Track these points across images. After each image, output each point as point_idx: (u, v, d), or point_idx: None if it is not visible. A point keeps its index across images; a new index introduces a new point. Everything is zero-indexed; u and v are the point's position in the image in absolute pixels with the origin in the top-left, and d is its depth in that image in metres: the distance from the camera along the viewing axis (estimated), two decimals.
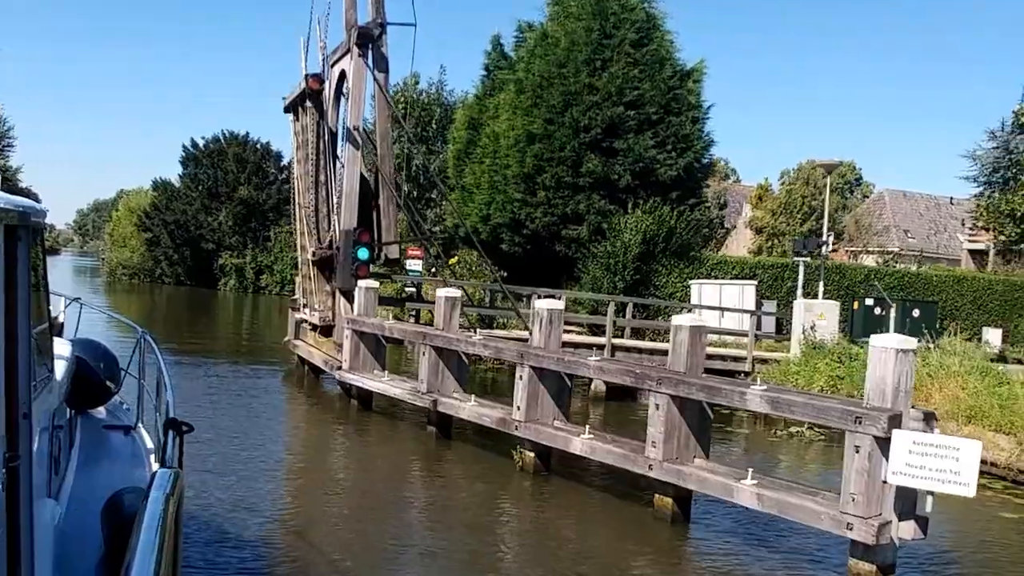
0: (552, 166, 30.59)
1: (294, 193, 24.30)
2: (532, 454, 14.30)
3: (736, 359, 25.23)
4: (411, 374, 20.35)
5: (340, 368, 19.67)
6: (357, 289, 19.84)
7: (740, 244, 59.70)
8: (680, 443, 11.90)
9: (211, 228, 66.17)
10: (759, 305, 31.13)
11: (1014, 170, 53.77)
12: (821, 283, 30.53)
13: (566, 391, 14.78)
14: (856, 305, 31.96)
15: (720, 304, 29.80)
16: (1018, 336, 35.33)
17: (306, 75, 21.82)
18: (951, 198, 77.86)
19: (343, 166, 21.24)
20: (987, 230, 38.87)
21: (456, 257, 37.15)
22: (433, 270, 36.51)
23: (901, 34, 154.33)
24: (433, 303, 27.69)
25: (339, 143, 22.88)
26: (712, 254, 34.06)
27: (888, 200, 74.27)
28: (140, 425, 7.08)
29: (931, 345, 27.02)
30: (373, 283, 19.85)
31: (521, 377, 14.36)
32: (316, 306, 21.88)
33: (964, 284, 36.10)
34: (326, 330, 21.76)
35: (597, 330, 28.80)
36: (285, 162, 68.89)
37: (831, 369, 22.37)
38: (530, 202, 31.19)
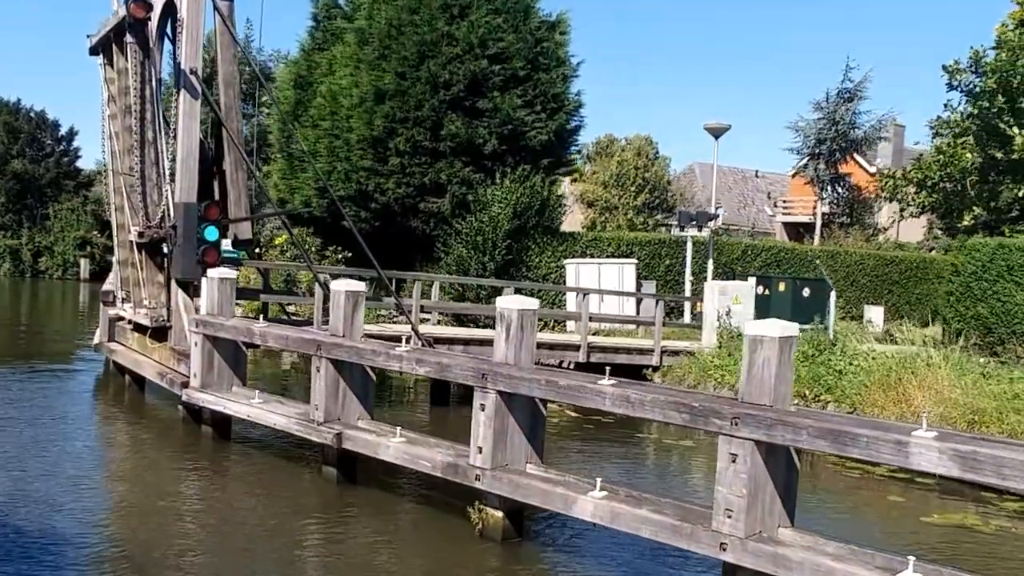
0: (407, 128, 26.35)
1: (106, 157, 19.08)
2: (500, 514, 10.27)
3: (641, 351, 21.88)
4: (280, 391, 15.91)
5: (187, 385, 15.00)
6: (206, 280, 15.13)
7: (565, 218, 57.16)
8: (764, 508, 8.24)
9: None
10: (639, 286, 28.17)
11: (841, 141, 53.56)
12: (711, 261, 27.85)
13: (541, 423, 10.87)
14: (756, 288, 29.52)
15: (600, 286, 26.52)
16: (895, 313, 33.98)
17: (127, 0, 16.70)
18: (756, 171, 78.42)
19: (174, 122, 16.36)
20: (893, 200, 37.61)
21: (283, 236, 32.32)
22: (258, 250, 31.41)
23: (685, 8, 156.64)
24: (286, 294, 23.23)
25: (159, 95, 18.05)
26: (587, 231, 30.74)
27: (699, 173, 73.80)
28: None
29: (823, 327, 24.83)
30: (230, 272, 15.19)
31: (483, 406, 10.31)
32: (145, 301, 16.96)
33: (837, 259, 34.44)
34: (159, 332, 16.91)
35: (469, 320, 24.97)
36: (64, 131, 61.31)
37: None
38: (380, 171, 26.86)
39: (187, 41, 16.18)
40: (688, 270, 27.53)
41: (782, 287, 26.41)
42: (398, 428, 11.84)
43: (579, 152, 29.50)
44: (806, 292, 26.62)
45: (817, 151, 54.14)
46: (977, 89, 30.93)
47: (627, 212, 50.83)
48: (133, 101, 16.46)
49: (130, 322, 18.88)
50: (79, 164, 63.59)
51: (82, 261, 56.76)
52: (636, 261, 28.14)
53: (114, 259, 20.79)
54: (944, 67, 33.06)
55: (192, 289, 16.64)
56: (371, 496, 12.06)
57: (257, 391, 14.24)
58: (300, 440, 13.18)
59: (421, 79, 26.21)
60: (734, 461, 8.07)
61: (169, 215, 16.53)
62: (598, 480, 9.55)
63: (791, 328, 8.47)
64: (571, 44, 28.75)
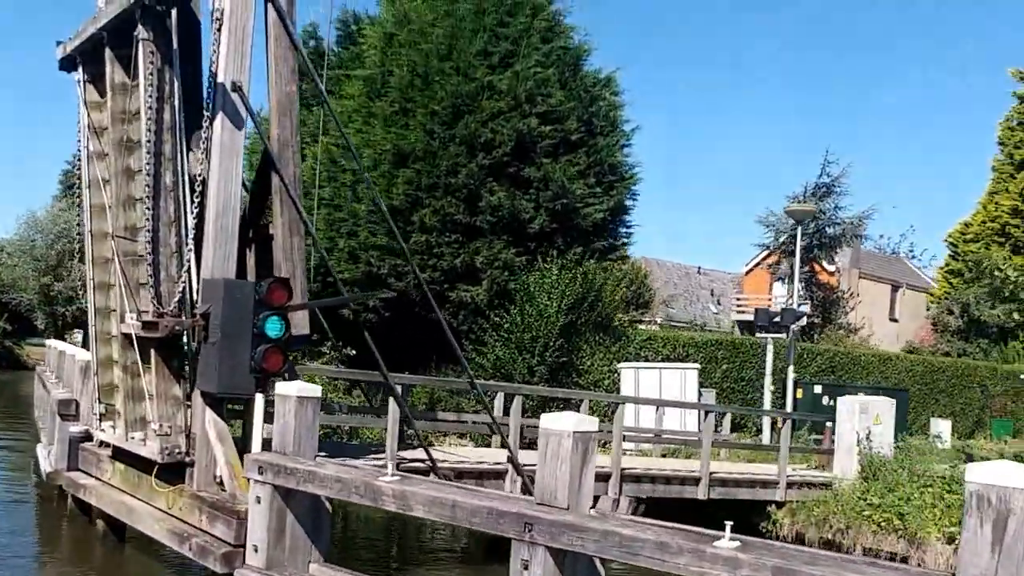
0: (435, 198, 21.31)
1: (84, 212, 13.44)
2: None
3: (764, 484, 17.05)
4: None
5: (230, 558, 9.53)
6: (276, 399, 9.73)
7: None
8: None
9: None
10: (699, 395, 23.45)
11: (820, 237, 50.57)
12: (791, 367, 23.22)
13: None
14: (800, 393, 25.16)
15: (660, 395, 21.70)
16: (963, 428, 30.03)
17: None
18: (699, 267, 75.28)
19: (203, 162, 11.06)
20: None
21: None
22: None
23: None
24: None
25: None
26: (640, 328, 25.89)
27: (644, 268, 70.11)
28: None
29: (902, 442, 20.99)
30: (311, 388, 9.78)
31: None
32: (154, 422, 11.31)
33: (889, 365, 30.51)
34: (170, 470, 11.30)
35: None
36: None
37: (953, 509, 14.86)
38: (398, 250, 21.62)
39: (229, 42, 11.08)
40: (768, 379, 22.86)
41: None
42: None
43: (630, 235, 24.55)
44: None
45: (792, 247, 51.13)
46: None
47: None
48: (146, 129, 11.07)
49: (105, 445, 13.26)
50: None
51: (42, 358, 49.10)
52: (698, 366, 23.41)
53: (80, 356, 15.28)
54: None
55: (225, 408, 11.26)
56: None
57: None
58: None
59: (456, 139, 21.27)
60: None
61: (193, 297, 11.15)
62: None
63: None
64: (625, 107, 24.12)
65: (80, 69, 13.16)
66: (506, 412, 18.90)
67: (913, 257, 74.35)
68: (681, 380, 22.70)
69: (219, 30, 11.09)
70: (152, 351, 11.33)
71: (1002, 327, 40.29)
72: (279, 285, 10.51)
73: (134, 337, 11.54)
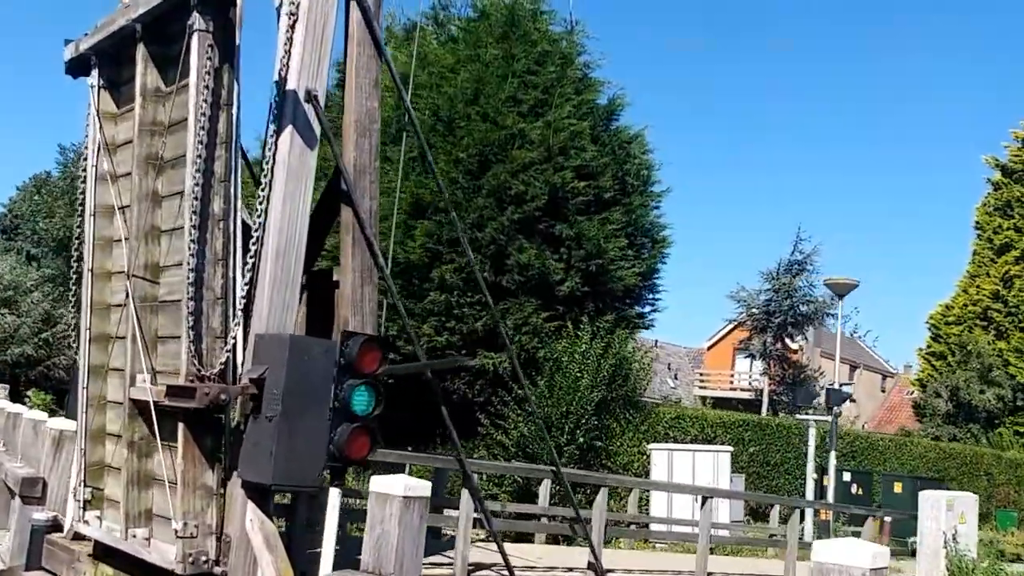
0: (459, 254, 19.07)
1: (86, 247, 10.91)
2: None
3: None
4: None
5: None
6: (374, 498, 7.31)
7: None
8: None
9: None
10: (730, 480, 21.38)
11: (793, 315, 49.46)
12: (832, 453, 21.21)
13: None
14: (826, 481, 23.16)
15: (693, 480, 19.55)
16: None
17: None
18: (655, 341, 73.81)
19: (263, 189, 8.75)
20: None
21: None
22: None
23: None
24: None
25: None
26: (668, 407, 23.77)
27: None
28: None
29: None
30: (419, 484, 7.37)
31: None
32: (176, 519, 8.73)
33: (904, 450, 28.78)
34: None
35: (562, 539, 17.10)
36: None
37: None
38: (412, 309, 19.29)
39: (305, 41, 8.80)
40: (811, 465, 20.81)
41: (898, 488, 20.49)
42: None
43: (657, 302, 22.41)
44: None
45: (768, 324, 49.81)
46: None
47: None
48: (196, 141, 8.68)
49: (81, 538, 10.67)
50: None
51: None
52: (731, 448, 21.36)
53: (53, 424, 12.71)
54: None
55: (271, 502, 8.77)
56: None
57: None
58: None
59: (483, 189, 19.12)
60: None
61: (236, 357, 8.70)
62: None
63: None
64: (658, 167, 22.16)
65: (95, 72, 10.74)
66: (527, 495, 16.60)
67: (859, 338, 74.02)
68: (714, 464, 20.68)
69: (292, 27, 8.79)
70: (180, 425, 8.79)
71: (990, 412, 39.25)
72: (372, 346, 8.08)
73: (151, 405, 9.02)
